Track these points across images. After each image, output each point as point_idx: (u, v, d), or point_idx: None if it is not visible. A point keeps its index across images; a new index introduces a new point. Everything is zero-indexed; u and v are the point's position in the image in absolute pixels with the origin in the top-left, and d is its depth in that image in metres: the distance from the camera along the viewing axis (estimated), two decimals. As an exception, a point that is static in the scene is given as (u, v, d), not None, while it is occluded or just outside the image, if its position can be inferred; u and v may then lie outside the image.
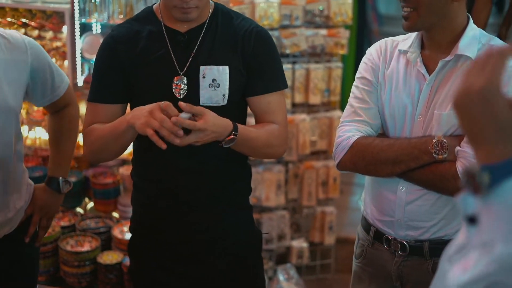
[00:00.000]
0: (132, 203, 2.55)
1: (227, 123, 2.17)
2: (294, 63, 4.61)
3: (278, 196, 4.63)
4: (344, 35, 4.59)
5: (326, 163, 4.73)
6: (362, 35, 6.95)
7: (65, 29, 4.68)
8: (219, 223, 2.44)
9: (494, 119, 1.09)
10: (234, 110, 2.34)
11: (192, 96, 2.26)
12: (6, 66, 2.32)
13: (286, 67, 4.53)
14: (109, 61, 2.36)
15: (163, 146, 2.03)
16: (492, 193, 1.06)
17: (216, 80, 2.27)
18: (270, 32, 4.39)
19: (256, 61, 2.34)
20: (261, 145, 2.32)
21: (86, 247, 3.88)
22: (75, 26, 4.56)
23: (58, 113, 2.62)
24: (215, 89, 2.27)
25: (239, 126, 2.21)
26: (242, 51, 2.32)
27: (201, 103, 2.24)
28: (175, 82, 2.27)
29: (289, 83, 4.51)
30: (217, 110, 2.19)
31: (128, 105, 2.43)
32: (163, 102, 2.08)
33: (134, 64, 2.32)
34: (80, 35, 4.61)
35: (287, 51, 4.51)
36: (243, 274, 2.53)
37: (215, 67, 2.28)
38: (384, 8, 9.09)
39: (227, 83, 2.28)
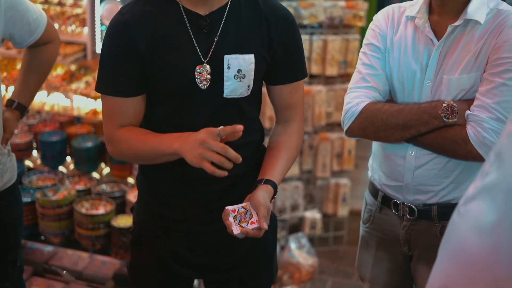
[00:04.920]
0: (138, 190, 2.36)
1: (270, 195, 2.07)
2: (312, 34, 4.60)
3: (292, 166, 4.64)
4: (362, 7, 4.59)
5: (341, 135, 4.74)
6: (383, 7, 6.90)
7: (85, -4, 4.72)
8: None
9: None
10: (254, 98, 2.19)
11: (216, 87, 2.08)
12: None
13: (304, 38, 4.53)
14: (123, 49, 2.06)
15: (224, 173, 1.91)
16: None
17: (241, 71, 2.08)
18: (288, 3, 4.43)
19: (283, 49, 2.16)
20: (291, 165, 2.26)
21: (101, 210, 3.92)
22: (95, -8, 4.60)
23: (37, 48, 2.66)
24: (240, 80, 2.09)
25: (272, 177, 2.11)
26: (268, 38, 2.13)
27: (224, 95, 2.09)
28: (197, 70, 2.05)
29: (306, 54, 4.53)
30: (242, 101, 2.12)
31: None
32: (220, 128, 1.90)
33: (151, 51, 2.05)
34: (100, 2, 4.64)
35: (305, 22, 4.51)
36: (260, 261, 2.37)
37: (240, 56, 2.08)
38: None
39: (253, 73, 2.10)
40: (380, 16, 2.36)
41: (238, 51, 2.08)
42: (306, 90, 4.59)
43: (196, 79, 2.05)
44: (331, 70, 4.66)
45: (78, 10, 4.86)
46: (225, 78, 2.07)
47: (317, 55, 4.60)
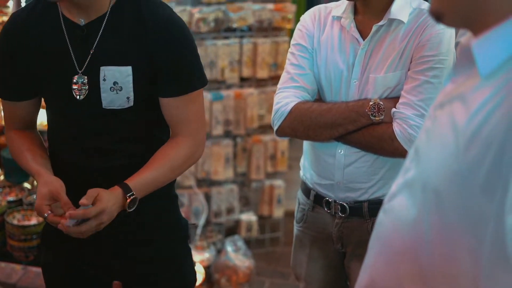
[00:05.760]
0: None
1: (117, 193, 1.99)
2: (241, 37, 4.63)
3: (226, 170, 4.67)
4: (290, 9, 4.64)
5: (274, 137, 4.75)
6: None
7: (11, 3, 4.64)
8: (137, 215, 2.10)
9: None
10: (143, 109, 2.11)
11: (93, 98, 2.05)
12: None
13: (234, 41, 4.56)
14: (6, 57, 2.12)
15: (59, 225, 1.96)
16: None
17: (117, 83, 2.03)
18: (217, 7, 4.45)
19: (165, 61, 2.06)
20: (168, 177, 2.14)
21: (33, 221, 3.85)
22: (21, 0, 4.52)
23: None
24: (117, 93, 2.03)
25: (131, 182, 2.02)
26: (148, 46, 2.03)
27: (103, 106, 2.05)
28: (73, 81, 2.03)
29: (237, 57, 4.56)
30: (125, 112, 2.07)
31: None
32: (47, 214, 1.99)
33: (32, 60, 2.08)
34: (26, 9, 4.57)
35: (235, 25, 4.53)
36: (169, 269, 2.31)
37: (116, 68, 2.02)
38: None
39: (131, 85, 2.04)
40: (307, 17, 2.40)
41: (114, 62, 2.03)
42: (238, 93, 4.62)
43: (73, 90, 2.04)
44: (262, 73, 4.69)
45: (3, 18, 4.77)
46: (101, 90, 2.04)
47: (247, 58, 4.63)
